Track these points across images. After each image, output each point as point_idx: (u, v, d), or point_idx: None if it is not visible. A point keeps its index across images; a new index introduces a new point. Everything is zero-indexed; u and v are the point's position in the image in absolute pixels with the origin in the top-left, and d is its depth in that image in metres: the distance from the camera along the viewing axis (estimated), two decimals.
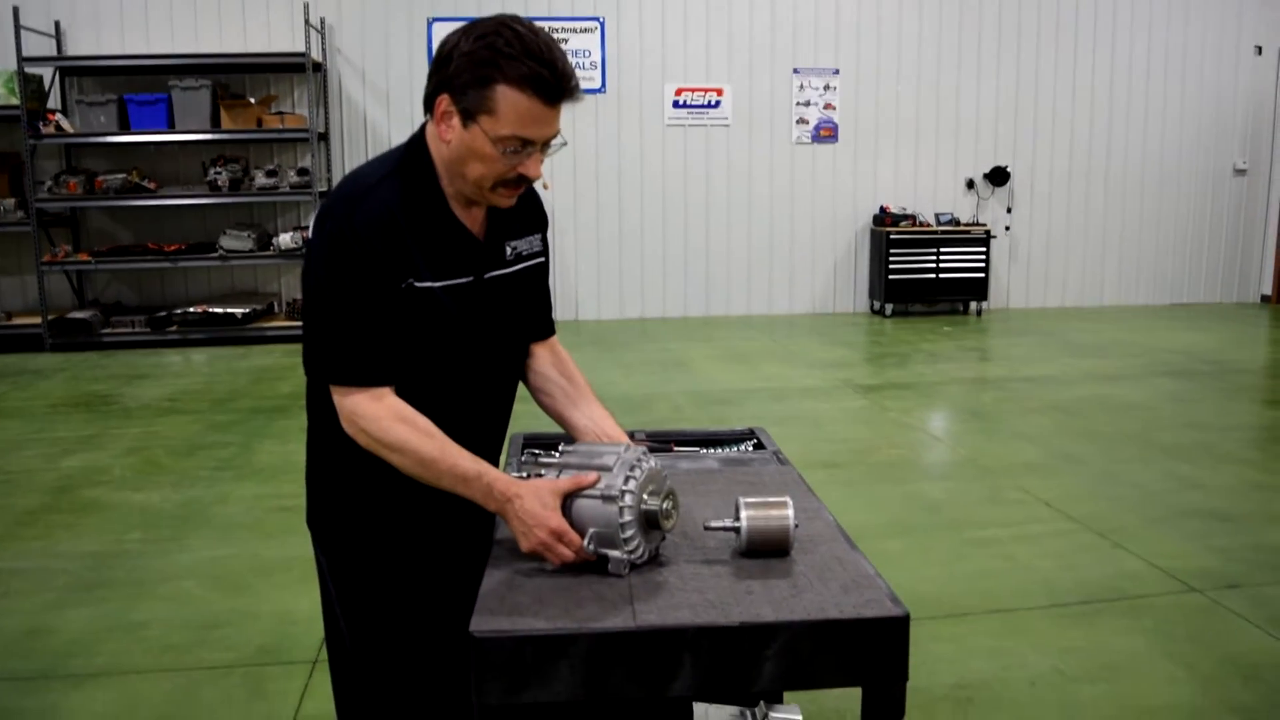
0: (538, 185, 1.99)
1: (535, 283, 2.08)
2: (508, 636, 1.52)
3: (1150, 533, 4.55)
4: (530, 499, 1.73)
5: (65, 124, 9.54)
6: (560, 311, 11.17)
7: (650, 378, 8.15)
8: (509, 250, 1.97)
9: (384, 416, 1.78)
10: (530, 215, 2.05)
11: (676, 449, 2.65)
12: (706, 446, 2.67)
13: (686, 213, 11.25)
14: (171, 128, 9.60)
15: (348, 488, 1.95)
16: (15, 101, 9.26)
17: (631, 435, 2.79)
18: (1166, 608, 3.78)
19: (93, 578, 4.25)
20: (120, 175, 9.65)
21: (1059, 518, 4.77)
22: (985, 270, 11.16)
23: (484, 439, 1.96)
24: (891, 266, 10.98)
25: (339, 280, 1.76)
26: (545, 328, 2.18)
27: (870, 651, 1.55)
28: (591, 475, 1.76)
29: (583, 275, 11.23)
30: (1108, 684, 3.23)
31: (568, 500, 1.73)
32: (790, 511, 1.78)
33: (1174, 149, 11.81)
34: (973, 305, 11.46)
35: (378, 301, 1.77)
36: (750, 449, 2.64)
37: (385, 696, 1.99)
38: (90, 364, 8.99)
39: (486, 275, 1.92)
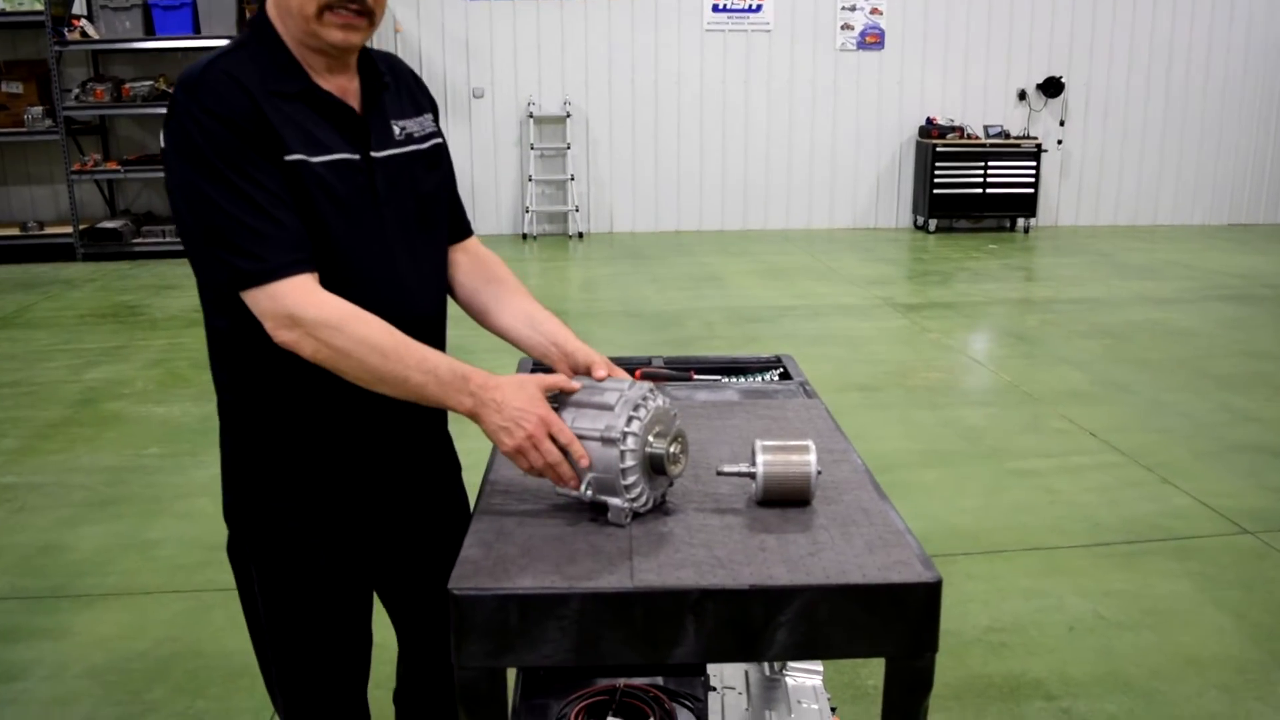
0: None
1: (439, 167, 1.79)
2: (490, 595, 1.37)
3: (1201, 468, 4.33)
4: (512, 390, 1.52)
5: (90, 29, 9.33)
6: (594, 223, 11.01)
7: (683, 293, 7.97)
8: (397, 130, 1.70)
9: (332, 308, 1.49)
10: (415, 95, 1.78)
11: (696, 377, 2.47)
12: (729, 375, 2.50)
13: (725, 122, 10.91)
14: (197, 33, 9.36)
15: (277, 471, 1.68)
16: (40, 6, 9.06)
17: (648, 362, 2.63)
18: (1216, 550, 3.59)
19: (109, 493, 4.20)
20: (147, 82, 9.48)
21: (1104, 449, 4.57)
22: (1035, 186, 10.76)
23: None
24: (936, 180, 10.62)
25: (210, 167, 1.48)
26: (459, 228, 1.86)
27: (896, 620, 1.39)
28: (576, 381, 1.60)
29: (617, 186, 10.99)
30: (1151, 631, 3.06)
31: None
32: (812, 456, 1.60)
33: (1239, 61, 11.23)
34: (1020, 222, 11.09)
35: (264, 175, 1.49)
36: (775, 379, 2.46)
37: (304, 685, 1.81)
38: (120, 274, 8.94)
39: (375, 154, 1.65)
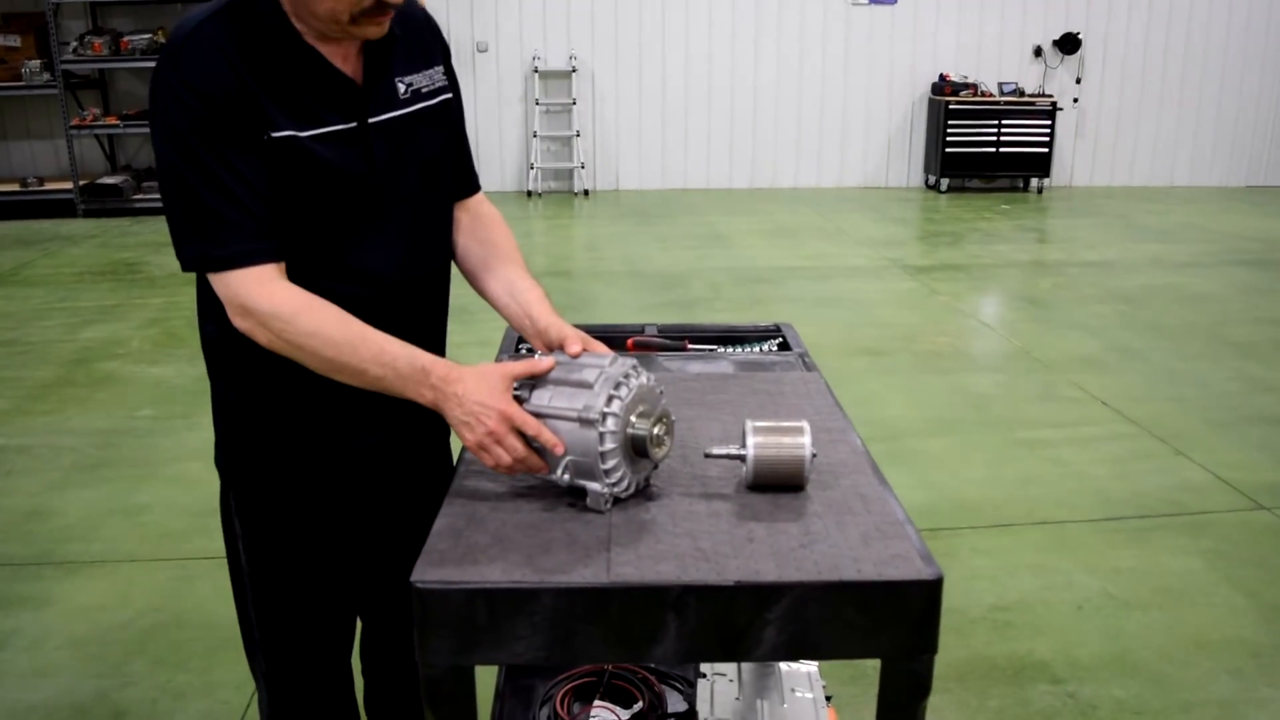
0: None
1: (446, 126, 1.67)
2: (456, 589, 1.27)
3: (1216, 439, 4.22)
4: (474, 382, 1.43)
5: None
6: (599, 181, 10.86)
7: (688, 253, 7.84)
8: (402, 87, 1.58)
9: (284, 301, 1.43)
10: (426, 44, 1.64)
11: (691, 347, 2.37)
12: (725, 344, 2.39)
13: (734, 78, 10.71)
14: None
15: (265, 422, 1.62)
16: None
17: (641, 330, 2.52)
18: (1230, 526, 3.49)
19: (99, 457, 4.12)
20: (146, 35, 9.33)
21: (1116, 419, 4.45)
22: (1049, 145, 10.56)
23: (413, 339, 1.52)
24: (949, 139, 10.43)
25: (183, 143, 1.41)
26: (465, 184, 1.78)
27: (892, 620, 1.29)
28: (547, 361, 1.49)
29: (623, 143, 10.82)
30: (1161, 611, 2.97)
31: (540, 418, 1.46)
32: (806, 439, 1.50)
33: (1261, 17, 10.95)
34: (1034, 182, 10.90)
35: (237, 158, 1.41)
36: (774, 349, 2.35)
37: (285, 653, 1.75)
38: (121, 230, 8.84)
39: (374, 119, 1.53)
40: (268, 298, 1.43)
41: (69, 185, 9.42)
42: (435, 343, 1.71)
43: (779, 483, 1.51)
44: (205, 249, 1.44)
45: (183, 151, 1.41)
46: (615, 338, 2.48)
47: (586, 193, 10.70)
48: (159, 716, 2.54)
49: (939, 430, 4.34)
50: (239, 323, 1.45)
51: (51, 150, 10.01)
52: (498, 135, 10.67)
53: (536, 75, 10.40)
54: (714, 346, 2.38)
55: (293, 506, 1.65)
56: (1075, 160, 11.17)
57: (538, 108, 10.46)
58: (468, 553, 1.34)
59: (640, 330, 2.47)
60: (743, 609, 1.28)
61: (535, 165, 10.60)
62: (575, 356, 1.53)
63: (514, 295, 1.70)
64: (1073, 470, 3.92)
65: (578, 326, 1.64)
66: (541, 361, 1.49)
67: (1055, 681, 2.64)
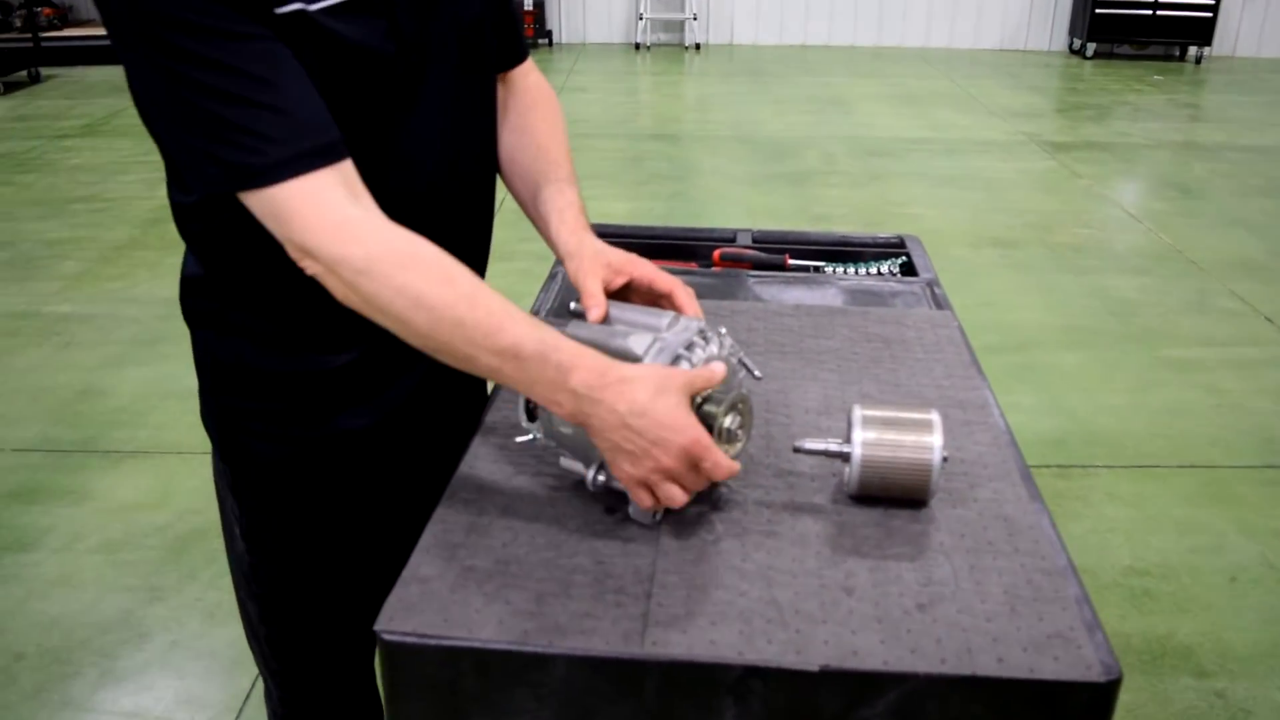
0: None
1: None
2: (433, 645, 0.93)
3: None
4: (650, 395, 1.00)
5: None
6: (712, 34, 10.19)
7: (803, 118, 7.27)
8: None
9: (355, 243, 1.02)
10: None
11: (791, 263, 1.95)
12: (833, 261, 1.96)
13: None
14: None
15: (263, 384, 1.25)
16: None
17: (733, 237, 2.10)
18: None
19: (160, 330, 3.92)
20: None
21: None
22: (1214, 9, 9.42)
23: (456, 244, 1.14)
24: None
25: (182, 21, 0.97)
26: (508, 52, 1.36)
27: None
28: (718, 370, 1.06)
29: None
30: None
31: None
32: (936, 439, 1.09)
33: None
34: (1192, 50, 9.81)
35: (259, 26, 1.00)
36: (895, 271, 1.92)
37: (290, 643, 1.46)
38: None
39: None
40: (332, 232, 1.01)
41: None
42: (479, 247, 1.35)
43: (894, 495, 1.12)
44: (236, 157, 1.00)
45: (184, 32, 0.98)
46: (700, 245, 2.08)
47: (698, 47, 10.05)
48: (185, 642, 2.33)
49: (1074, 342, 3.84)
50: (307, 266, 1.04)
51: None
52: None
53: None
54: (820, 264, 1.95)
55: (299, 484, 1.31)
56: (1242, 27, 10.01)
57: None
58: (457, 588, 0.99)
59: (731, 238, 2.05)
60: (830, 701, 0.91)
61: (644, 16, 9.95)
62: (598, 321, 1.14)
63: (540, 200, 1.31)
64: (1230, 402, 3.40)
65: (635, 245, 1.23)
66: (717, 370, 1.07)
67: (1201, 675, 2.22)
